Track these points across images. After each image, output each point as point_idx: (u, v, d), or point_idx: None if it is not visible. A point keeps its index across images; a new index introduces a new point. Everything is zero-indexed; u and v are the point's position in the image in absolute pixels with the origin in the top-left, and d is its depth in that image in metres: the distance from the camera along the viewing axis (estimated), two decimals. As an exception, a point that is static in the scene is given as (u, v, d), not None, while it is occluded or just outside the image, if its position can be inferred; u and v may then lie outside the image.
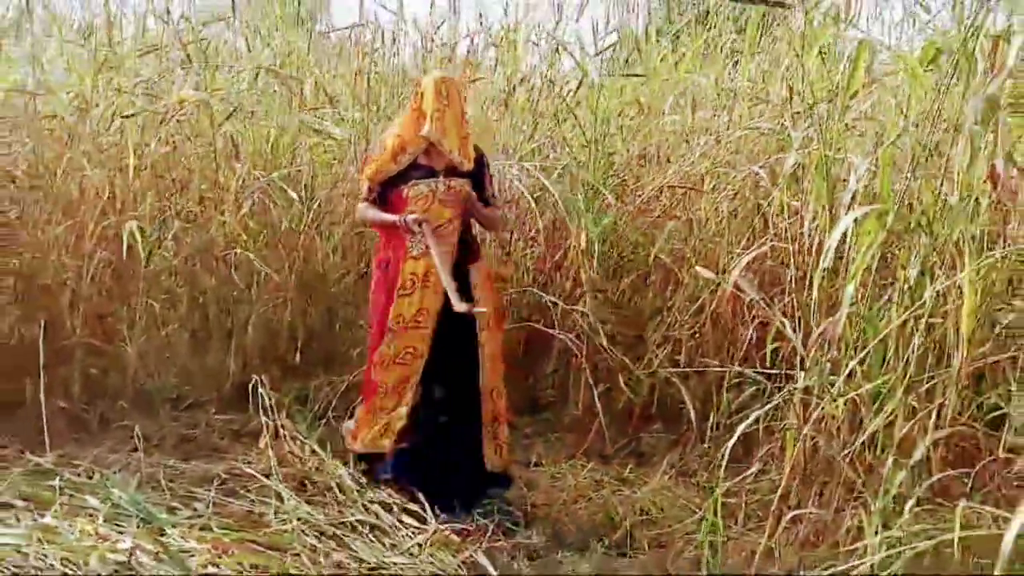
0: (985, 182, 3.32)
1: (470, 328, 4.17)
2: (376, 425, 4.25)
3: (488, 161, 4.32)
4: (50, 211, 5.17)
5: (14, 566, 3.26)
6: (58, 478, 4.10)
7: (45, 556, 3.35)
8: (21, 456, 4.42)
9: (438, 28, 6.26)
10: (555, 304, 4.96)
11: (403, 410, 4.19)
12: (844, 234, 3.46)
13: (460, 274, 4.13)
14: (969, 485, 3.19)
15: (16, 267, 5.12)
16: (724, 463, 3.42)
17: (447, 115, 4.05)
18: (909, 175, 3.55)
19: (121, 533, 3.59)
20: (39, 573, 3.21)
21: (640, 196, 5.21)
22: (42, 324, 4.75)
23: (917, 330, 3.35)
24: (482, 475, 4.26)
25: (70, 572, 3.25)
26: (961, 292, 3.29)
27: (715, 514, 3.56)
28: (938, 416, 3.24)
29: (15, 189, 5.23)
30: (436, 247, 4.01)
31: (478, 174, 4.21)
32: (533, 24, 5.95)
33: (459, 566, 3.61)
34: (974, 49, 3.37)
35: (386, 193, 4.19)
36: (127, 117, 5.18)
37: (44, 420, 4.39)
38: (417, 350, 4.18)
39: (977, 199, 3.35)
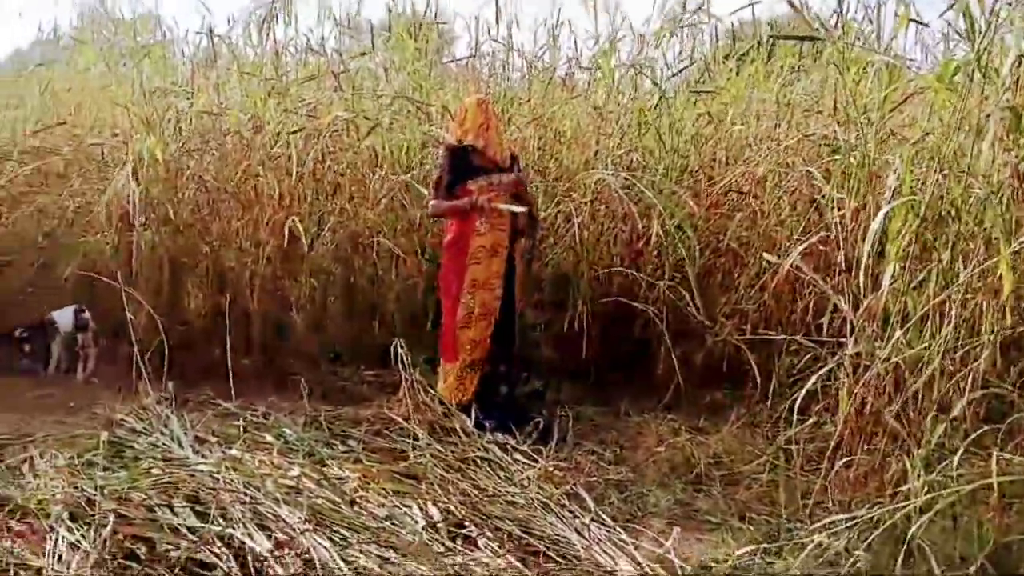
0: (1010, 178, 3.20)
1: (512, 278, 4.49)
2: (468, 378, 4.44)
3: (519, 159, 4.67)
4: (232, 208, 5.30)
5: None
6: (241, 419, 4.22)
7: (232, 480, 3.43)
8: (213, 402, 4.55)
9: (540, 56, 6.24)
10: (642, 281, 4.88)
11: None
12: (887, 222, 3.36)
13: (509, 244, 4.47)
14: (1000, 438, 3.04)
15: (207, 253, 5.26)
16: (790, 415, 3.36)
17: (490, 127, 4.40)
18: (938, 172, 3.42)
19: (291, 463, 3.68)
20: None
21: (711, 194, 5.10)
22: (228, 298, 4.90)
23: (953, 305, 3.21)
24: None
25: (252, 493, 3.33)
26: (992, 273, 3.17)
27: (777, 458, 3.50)
28: (972, 378, 3.10)
29: (206, 191, 5.36)
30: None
31: (515, 169, 4.52)
32: (620, 50, 5.87)
33: (561, 495, 3.60)
34: (985, 65, 3.26)
35: (453, 189, 4.39)
36: (293, 133, 5.25)
37: (230, 373, 4.52)
38: (492, 308, 4.40)
39: (1001, 192, 3.22)
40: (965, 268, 3.21)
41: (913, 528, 2.79)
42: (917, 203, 3.35)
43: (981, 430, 3.00)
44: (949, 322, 3.19)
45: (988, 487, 2.75)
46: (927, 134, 3.69)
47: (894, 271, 3.32)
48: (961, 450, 2.89)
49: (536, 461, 3.93)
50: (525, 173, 4.64)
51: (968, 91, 3.36)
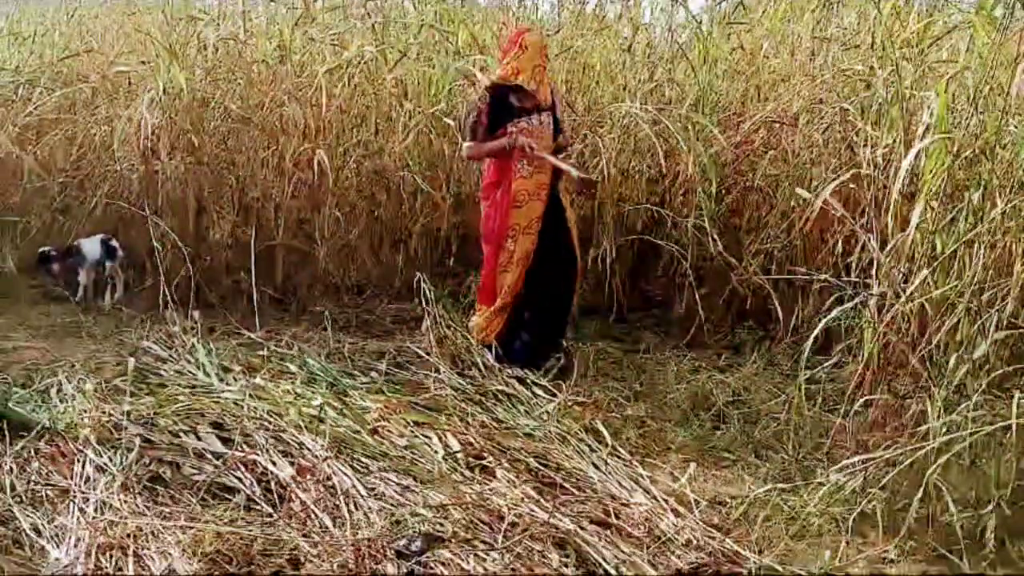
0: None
1: (561, 221, 4.38)
2: (496, 319, 4.38)
3: (557, 91, 4.57)
4: (257, 138, 5.30)
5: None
6: (266, 349, 4.30)
7: (256, 408, 3.52)
8: (238, 331, 4.63)
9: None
10: (667, 219, 4.85)
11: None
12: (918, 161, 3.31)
13: (552, 187, 4.34)
14: (1023, 380, 3.02)
15: (232, 183, 5.28)
16: (812, 354, 3.34)
17: (544, 68, 4.27)
18: (973, 109, 3.34)
19: (314, 393, 3.76)
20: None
21: (742, 130, 5.02)
22: (253, 228, 4.94)
23: (982, 245, 3.17)
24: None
25: (275, 421, 3.42)
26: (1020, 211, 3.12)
27: (797, 397, 3.50)
28: (998, 319, 3.07)
29: (231, 121, 5.37)
30: (542, 151, 4.22)
31: (553, 105, 4.38)
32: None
33: (579, 430, 3.64)
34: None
35: (494, 131, 4.25)
36: (326, 73, 5.20)
37: (255, 303, 4.58)
38: (529, 252, 4.31)
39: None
40: (996, 208, 3.15)
41: (931, 469, 2.80)
42: (951, 140, 3.29)
43: (1001, 371, 2.98)
44: (977, 262, 3.15)
45: (1007, 429, 2.74)
46: (965, 68, 3.60)
47: (924, 210, 3.28)
48: (980, 391, 2.89)
49: (555, 396, 3.98)
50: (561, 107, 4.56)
51: (1008, 25, 3.27)
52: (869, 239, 3.57)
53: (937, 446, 2.87)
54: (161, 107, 5.00)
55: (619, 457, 3.44)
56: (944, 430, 2.90)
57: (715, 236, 4.60)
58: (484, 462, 3.31)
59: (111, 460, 3.07)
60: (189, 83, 5.10)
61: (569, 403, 3.91)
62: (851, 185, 4.09)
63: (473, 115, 4.32)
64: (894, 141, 3.85)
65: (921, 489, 2.82)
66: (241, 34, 5.46)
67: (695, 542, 2.83)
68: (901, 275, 3.35)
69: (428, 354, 4.30)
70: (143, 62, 5.57)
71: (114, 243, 5.18)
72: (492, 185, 4.37)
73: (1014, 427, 2.70)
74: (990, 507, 2.77)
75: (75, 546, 2.62)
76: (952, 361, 3.06)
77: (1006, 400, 2.90)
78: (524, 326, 4.40)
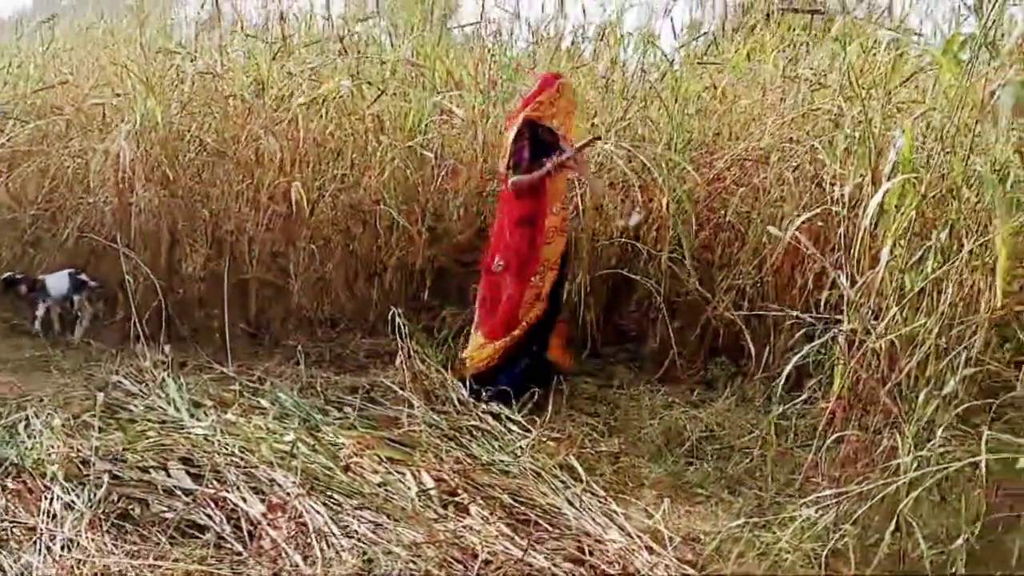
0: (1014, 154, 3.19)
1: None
2: (497, 352, 4.43)
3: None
4: (232, 172, 5.29)
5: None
6: (237, 384, 4.26)
7: (227, 444, 3.48)
8: (210, 366, 4.59)
9: (546, 26, 6.20)
10: (641, 253, 4.89)
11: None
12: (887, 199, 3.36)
13: None
14: (991, 416, 3.06)
15: (206, 216, 5.26)
16: (784, 391, 3.36)
17: (571, 117, 4.49)
18: (940, 149, 3.40)
19: (286, 429, 3.72)
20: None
21: (714, 168, 5.08)
22: (227, 262, 4.91)
23: (951, 283, 3.22)
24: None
25: (247, 457, 3.38)
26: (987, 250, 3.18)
27: (769, 433, 3.52)
28: (967, 356, 3.11)
29: (205, 154, 5.36)
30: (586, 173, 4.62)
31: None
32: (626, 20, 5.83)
33: (553, 466, 3.63)
34: (993, 40, 3.24)
35: (531, 167, 4.33)
36: (301, 105, 5.22)
37: (227, 337, 4.55)
38: (550, 287, 4.45)
39: (1005, 170, 3.21)
40: (964, 246, 3.20)
41: (901, 504, 2.82)
42: (918, 179, 3.35)
43: (966, 405, 3.02)
44: (945, 300, 3.20)
45: (976, 464, 2.77)
46: (932, 109, 3.67)
47: (892, 248, 3.33)
48: (945, 426, 2.92)
49: (529, 431, 3.97)
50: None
51: (973, 66, 3.35)
52: (839, 276, 3.60)
53: (908, 481, 2.89)
54: (136, 139, 4.98)
55: (593, 493, 3.43)
56: (914, 465, 2.92)
57: (692, 270, 4.64)
58: (458, 499, 3.29)
59: (79, 497, 3.02)
60: (164, 116, 5.10)
61: (543, 439, 3.91)
62: (820, 223, 4.15)
63: (511, 148, 4.38)
64: (862, 179, 3.92)
65: (892, 524, 2.84)
66: (218, 68, 5.47)
67: (669, 579, 2.82)
68: (871, 312, 3.38)
69: (402, 389, 4.27)
70: (118, 95, 5.56)
71: (82, 276, 5.14)
72: (524, 221, 4.41)
73: (983, 462, 2.73)
74: (959, 542, 2.79)
75: (41, 585, 2.57)
76: (922, 397, 3.08)
77: (975, 436, 2.93)
78: (528, 355, 4.46)
